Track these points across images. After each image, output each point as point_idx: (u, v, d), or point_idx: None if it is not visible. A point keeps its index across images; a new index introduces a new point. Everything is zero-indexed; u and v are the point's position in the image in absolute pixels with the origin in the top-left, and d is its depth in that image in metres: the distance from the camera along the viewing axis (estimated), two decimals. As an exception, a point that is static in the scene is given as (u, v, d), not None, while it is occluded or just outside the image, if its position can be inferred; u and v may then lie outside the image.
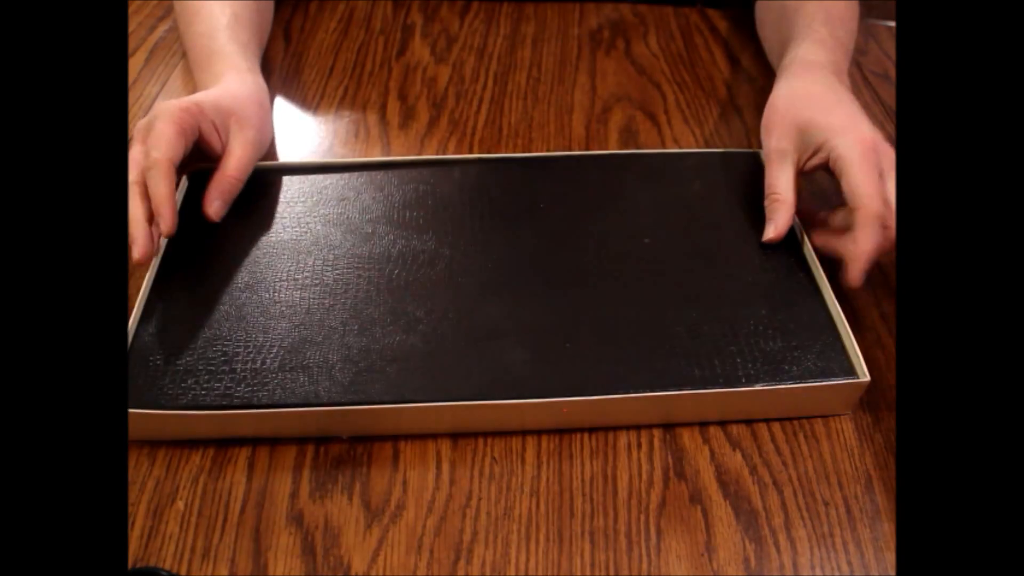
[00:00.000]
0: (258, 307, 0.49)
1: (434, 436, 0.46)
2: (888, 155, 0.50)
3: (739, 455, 0.45)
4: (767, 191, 0.54)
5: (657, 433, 0.46)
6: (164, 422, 0.44)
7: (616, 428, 0.46)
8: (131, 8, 0.80)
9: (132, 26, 0.77)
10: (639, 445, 0.46)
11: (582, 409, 0.45)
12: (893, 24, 0.82)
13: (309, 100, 0.70)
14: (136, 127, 0.52)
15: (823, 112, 0.53)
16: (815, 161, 0.52)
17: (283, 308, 0.49)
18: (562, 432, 0.46)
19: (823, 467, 0.45)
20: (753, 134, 0.67)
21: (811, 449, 0.46)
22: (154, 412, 0.43)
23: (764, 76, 0.74)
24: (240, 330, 0.47)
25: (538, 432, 0.46)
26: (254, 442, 0.45)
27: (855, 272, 0.48)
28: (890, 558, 0.41)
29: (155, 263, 0.51)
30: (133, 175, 0.50)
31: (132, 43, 0.75)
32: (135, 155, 0.50)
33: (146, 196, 0.49)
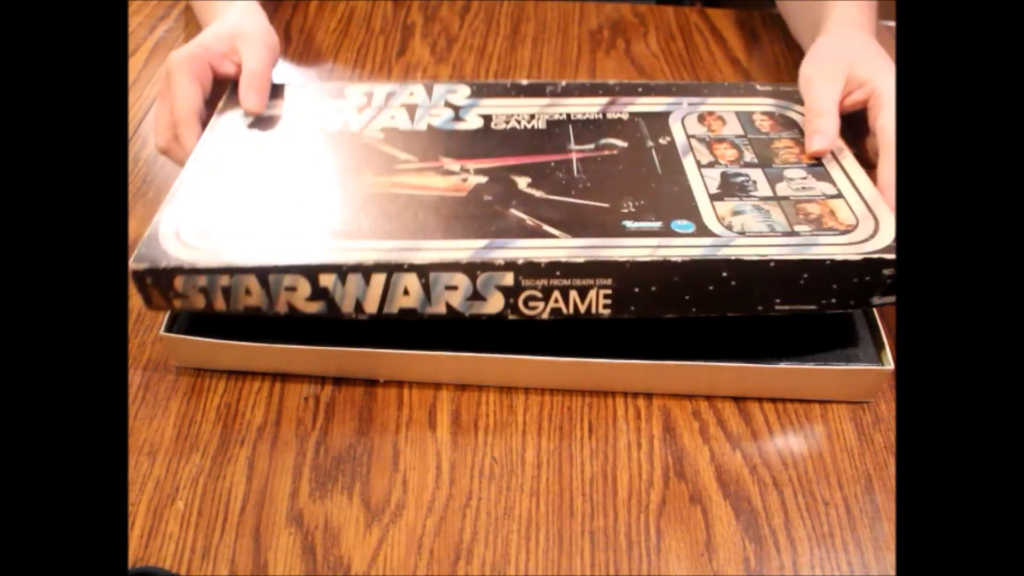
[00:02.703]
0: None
1: (435, 438, 0.46)
2: None
3: (739, 455, 0.45)
4: (809, 107, 0.54)
5: (657, 433, 0.46)
6: (219, 351, 0.47)
7: (637, 394, 0.48)
8: (131, 8, 0.80)
9: (132, 26, 0.77)
10: (639, 445, 0.46)
11: (607, 371, 0.47)
12: (893, 24, 0.82)
13: (309, 100, 0.70)
14: (159, 84, 0.57)
15: (873, 56, 0.55)
16: (858, 95, 0.53)
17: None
18: (563, 431, 0.46)
19: (823, 467, 0.45)
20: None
21: (811, 449, 0.46)
22: (212, 341, 0.46)
23: (764, 76, 0.74)
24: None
25: (565, 391, 0.48)
26: (254, 442, 0.45)
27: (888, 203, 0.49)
28: (890, 558, 0.41)
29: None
30: (166, 133, 0.55)
31: (132, 43, 0.75)
32: (161, 112, 0.56)
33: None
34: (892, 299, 0.45)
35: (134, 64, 0.73)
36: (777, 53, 0.77)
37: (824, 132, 0.52)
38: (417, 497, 0.43)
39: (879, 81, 0.52)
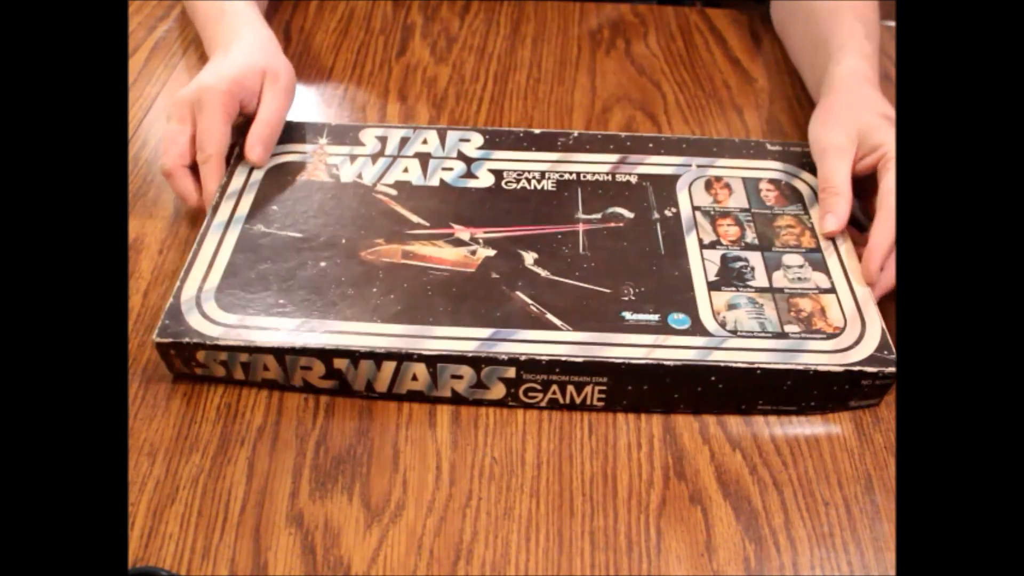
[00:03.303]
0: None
1: (435, 438, 0.46)
2: None
3: (739, 455, 0.45)
4: (823, 184, 0.54)
5: (657, 433, 0.46)
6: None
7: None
8: (131, 8, 0.80)
9: (132, 26, 0.77)
10: (639, 445, 0.46)
11: None
12: (893, 24, 0.82)
13: (309, 100, 0.69)
14: (176, 101, 0.56)
15: (883, 118, 0.54)
16: (870, 160, 0.53)
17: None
18: (562, 431, 0.46)
19: (823, 467, 0.45)
20: (753, 135, 0.67)
21: (811, 449, 0.46)
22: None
23: (764, 76, 0.74)
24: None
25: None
26: (254, 442, 0.45)
27: (868, 264, 0.50)
28: (890, 558, 0.41)
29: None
30: (178, 160, 0.54)
31: (132, 43, 0.75)
32: (179, 137, 0.55)
33: (194, 178, 0.55)
34: (868, 403, 0.47)
35: (134, 64, 0.73)
36: (777, 53, 0.77)
37: (836, 214, 0.52)
38: (417, 497, 0.43)
39: (890, 146, 0.52)
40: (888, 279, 0.50)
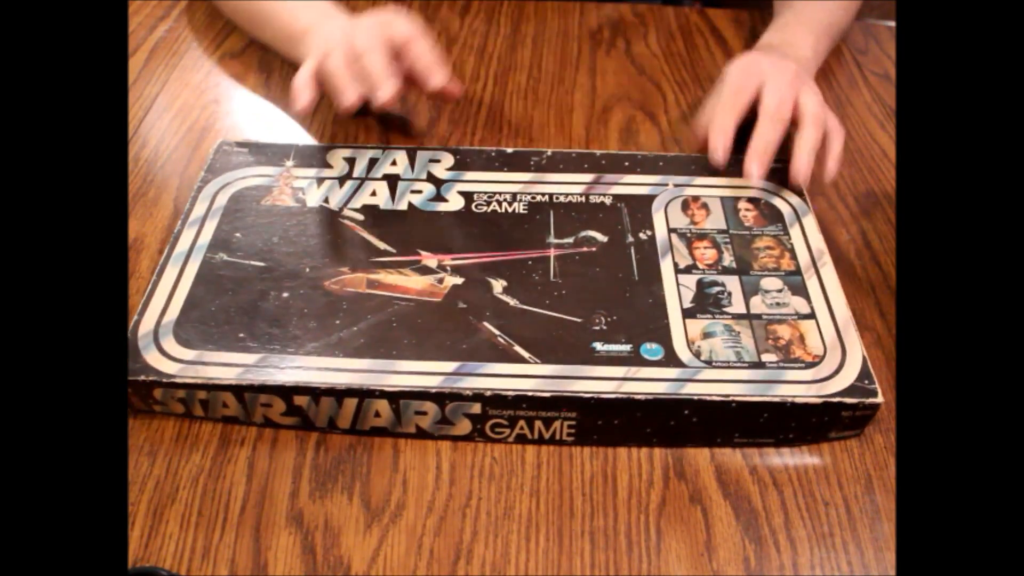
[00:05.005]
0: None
1: (435, 438, 0.46)
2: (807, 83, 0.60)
3: (739, 455, 0.45)
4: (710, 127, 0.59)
5: (657, 433, 0.46)
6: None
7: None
8: (131, 8, 0.80)
9: (132, 26, 0.77)
10: (639, 445, 0.46)
11: None
12: (893, 24, 0.82)
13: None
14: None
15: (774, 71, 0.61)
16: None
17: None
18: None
19: (823, 467, 0.45)
20: (753, 134, 0.67)
21: (811, 449, 0.46)
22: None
23: (764, 76, 0.74)
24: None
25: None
26: (254, 442, 0.45)
27: (746, 163, 0.56)
28: (890, 558, 0.41)
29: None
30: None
31: (132, 43, 0.75)
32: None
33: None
34: (849, 434, 0.46)
35: (134, 64, 0.73)
36: (777, 53, 0.76)
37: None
38: (417, 497, 0.43)
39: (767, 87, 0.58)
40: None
